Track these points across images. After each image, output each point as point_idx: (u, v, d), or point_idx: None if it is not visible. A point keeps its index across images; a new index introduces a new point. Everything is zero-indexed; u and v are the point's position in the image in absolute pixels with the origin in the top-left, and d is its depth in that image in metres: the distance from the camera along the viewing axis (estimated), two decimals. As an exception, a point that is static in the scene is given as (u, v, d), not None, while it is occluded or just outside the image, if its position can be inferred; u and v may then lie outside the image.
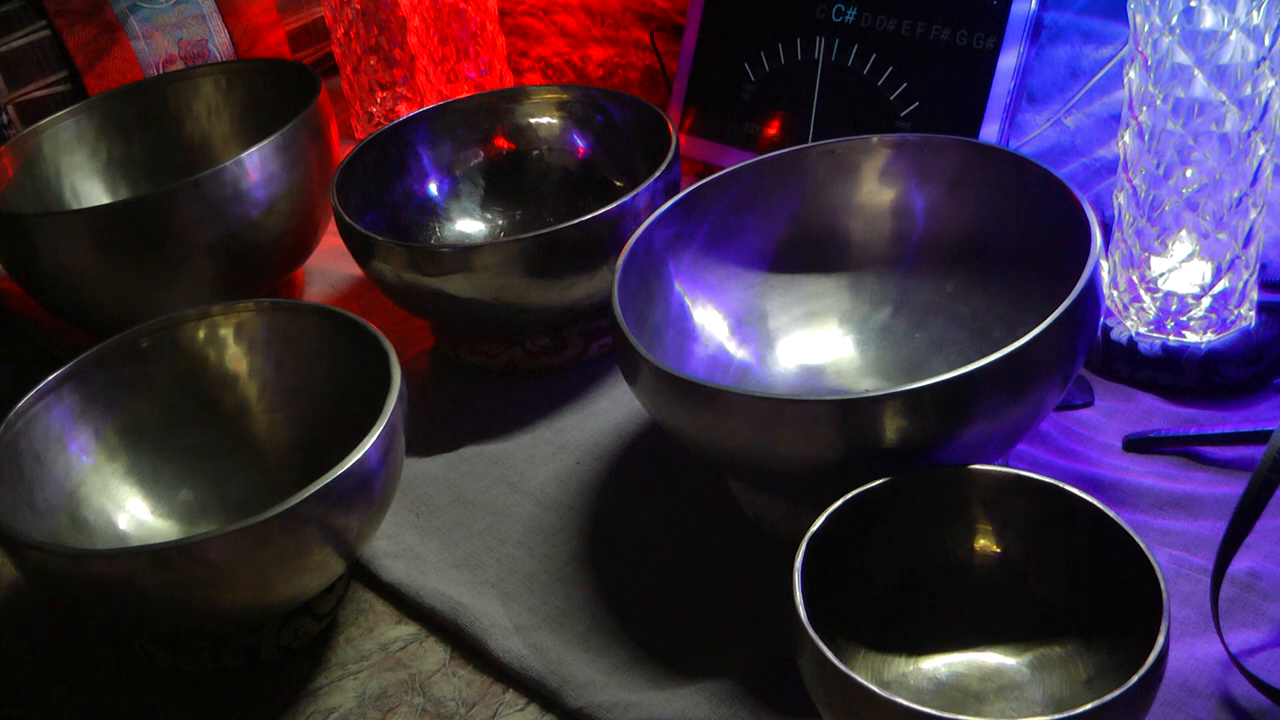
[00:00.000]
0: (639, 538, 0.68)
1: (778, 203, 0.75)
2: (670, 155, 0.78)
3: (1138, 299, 0.73)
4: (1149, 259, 0.71)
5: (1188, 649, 0.57)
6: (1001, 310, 0.70)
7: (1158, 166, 0.68)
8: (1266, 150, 0.66)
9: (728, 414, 0.57)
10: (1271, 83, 0.64)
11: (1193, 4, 0.63)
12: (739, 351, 0.73)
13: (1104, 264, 0.60)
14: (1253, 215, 0.68)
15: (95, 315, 0.85)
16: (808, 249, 0.76)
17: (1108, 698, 0.45)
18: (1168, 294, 0.71)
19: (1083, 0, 0.88)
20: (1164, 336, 0.72)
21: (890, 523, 0.57)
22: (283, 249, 0.88)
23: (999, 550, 0.57)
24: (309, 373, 0.72)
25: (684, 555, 0.67)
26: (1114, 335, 0.74)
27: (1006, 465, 0.63)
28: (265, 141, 0.82)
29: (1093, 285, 0.58)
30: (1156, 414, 0.71)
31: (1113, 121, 0.85)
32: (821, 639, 0.49)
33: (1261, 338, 0.71)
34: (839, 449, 0.56)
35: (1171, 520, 0.64)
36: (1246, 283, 0.70)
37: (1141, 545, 0.51)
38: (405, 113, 1.06)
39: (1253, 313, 0.72)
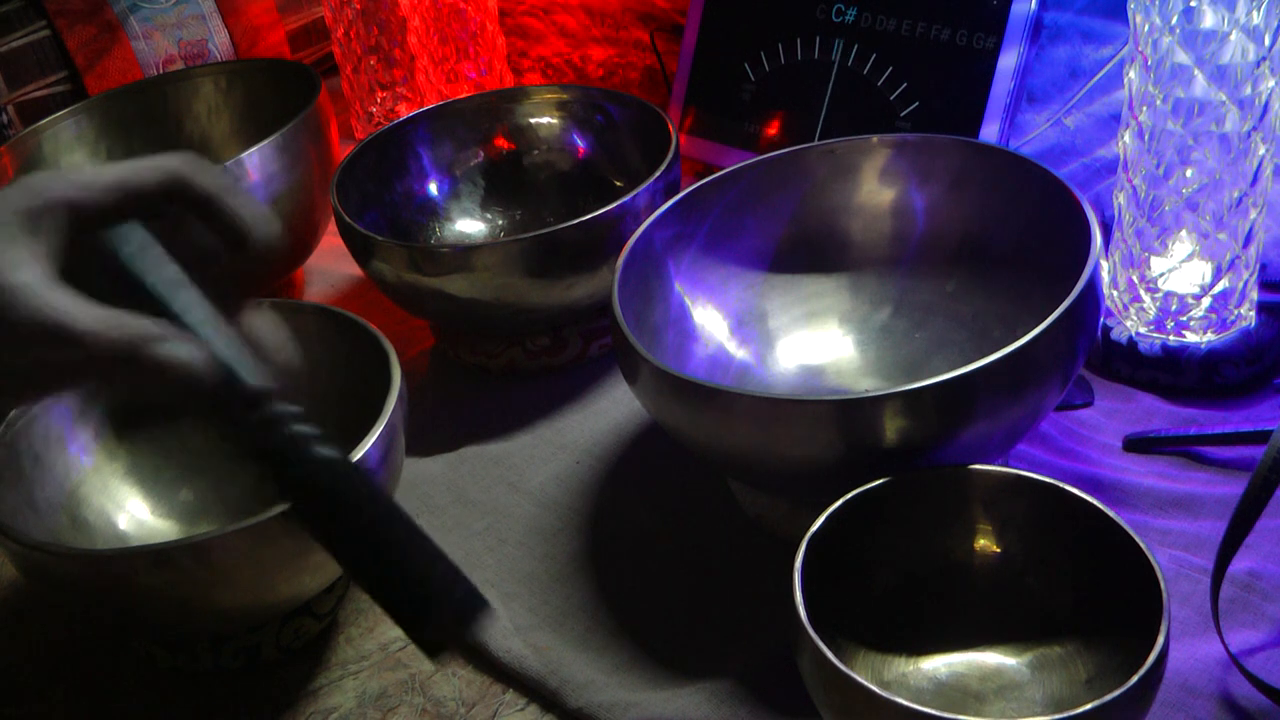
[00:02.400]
0: (639, 538, 0.68)
1: (778, 203, 0.75)
2: (670, 155, 0.78)
3: (1138, 299, 0.73)
4: (1149, 259, 0.71)
5: (1188, 649, 0.57)
6: (1001, 310, 0.70)
7: (1158, 166, 0.68)
8: (1266, 150, 0.66)
9: (728, 414, 0.57)
10: (1271, 83, 0.64)
11: (1193, 4, 0.63)
12: (739, 351, 0.73)
13: (1104, 264, 0.60)
14: (1253, 215, 0.68)
15: (95, 315, 0.85)
16: (808, 249, 0.76)
17: (1108, 698, 0.45)
18: (1168, 294, 0.71)
19: (1083, 0, 0.88)
20: (1164, 336, 0.72)
21: (890, 523, 0.57)
22: (283, 249, 0.88)
23: (999, 550, 0.57)
24: (309, 373, 0.71)
25: (684, 555, 0.67)
26: (1114, 335, 0.74)
27: (1006, 465, 0.63)
28: (265, 141, 0.82)
29: (1093, 285, 0.58)
30: (1156, 414, 0.71)
31: (1113, 121, 0.85)
32: (821, 639, 0.49)
33: (1261, 338, 0.71)
34: (839, 449, 0.56)
35: (1171, 520, 0.64)
36: (1246, 283, 0.70)
37: (1141, 545, 0.51)
38: (405, 113, 1.06)
39: (1253, 313, 0.72)
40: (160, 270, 0.43)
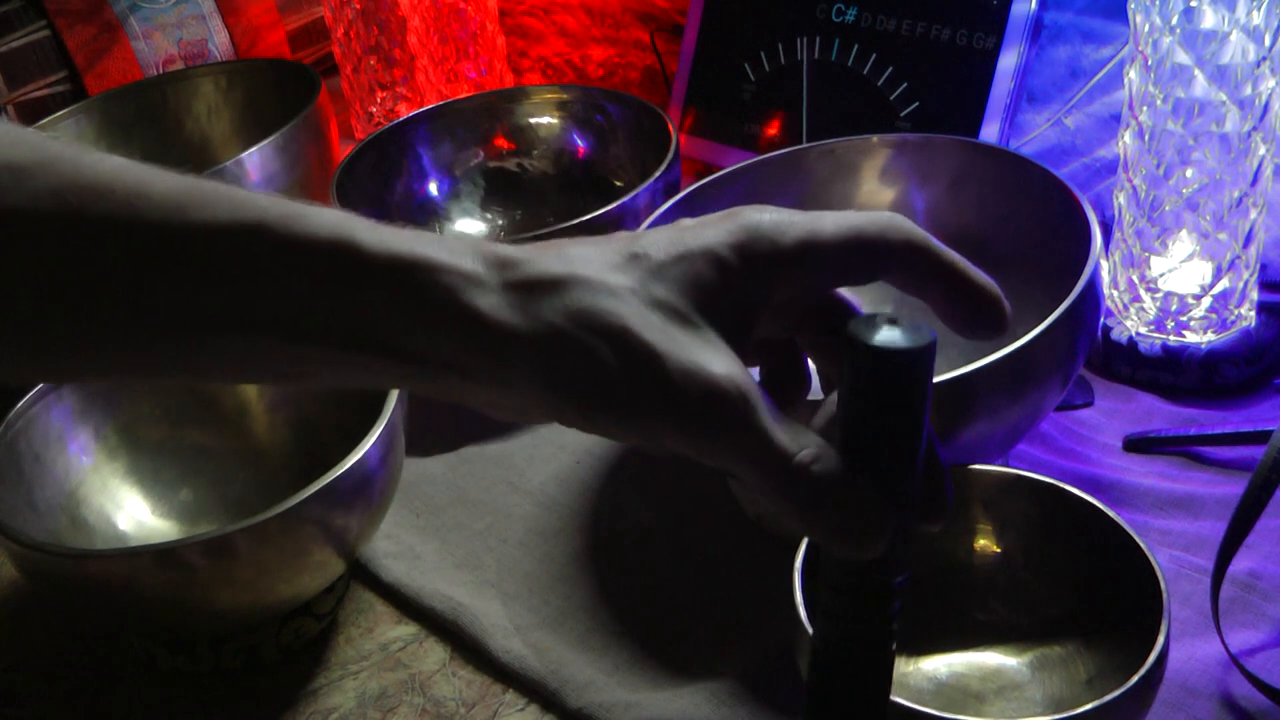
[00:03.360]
0: (639, 538, 0.68)
1: (777, 203, 0.74)
2: (670, 155, 0.78)
3: (1138, 299, 0.73)
4: (1149, 259, 0.71)
5: (1188, 649, 0.57)
6: (1001, 310, 0.70)
7: (1158, 166, 0.68)
8: (1266, 150, 0.66)
9: (728, 414, 0.57)
10: (1271, 83, 0.64)
11: (1193, 4, 0.63)
12: (739, 351, 0.73)
13: (1104, 264, 0.60)
14: (1253, 215, 0.68)
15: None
16: (808, 249, 0.75)
17: (1108, 698, 0.45)
18: (1168, 294, 0.71)
19: (1083, 0, 0.88)
20: (1164, 336, 0.72)
21: (890, 523, 0.57)
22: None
23: (999, 550, 0.57)
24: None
25: (684, 555, 0.67)
26: (1114, 335, 0.74)
27: (1006, 465, 0.63)
28: (265, 141, 0.82)
29: (1093, 285, 0.58)
30: (1156, 414, 0.71)
31: (1113, 121, 0.85)
32: (821, 639, 0.49)
33: (1261, 338, 0.71)
34: (839, 449, 0.56)
35: (1171, 520, 0.64)
36: (1246, 283, 0.70)
37: (1141, 545, 0.51)
38: (405, 113, 1.06)
39: (1253, 313, 0.72)
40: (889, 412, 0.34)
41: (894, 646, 0.37)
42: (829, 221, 0.38)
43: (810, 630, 0.49)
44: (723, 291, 0.36)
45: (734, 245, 0.37)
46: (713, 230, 0.37)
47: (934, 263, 0.39)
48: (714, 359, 0.35)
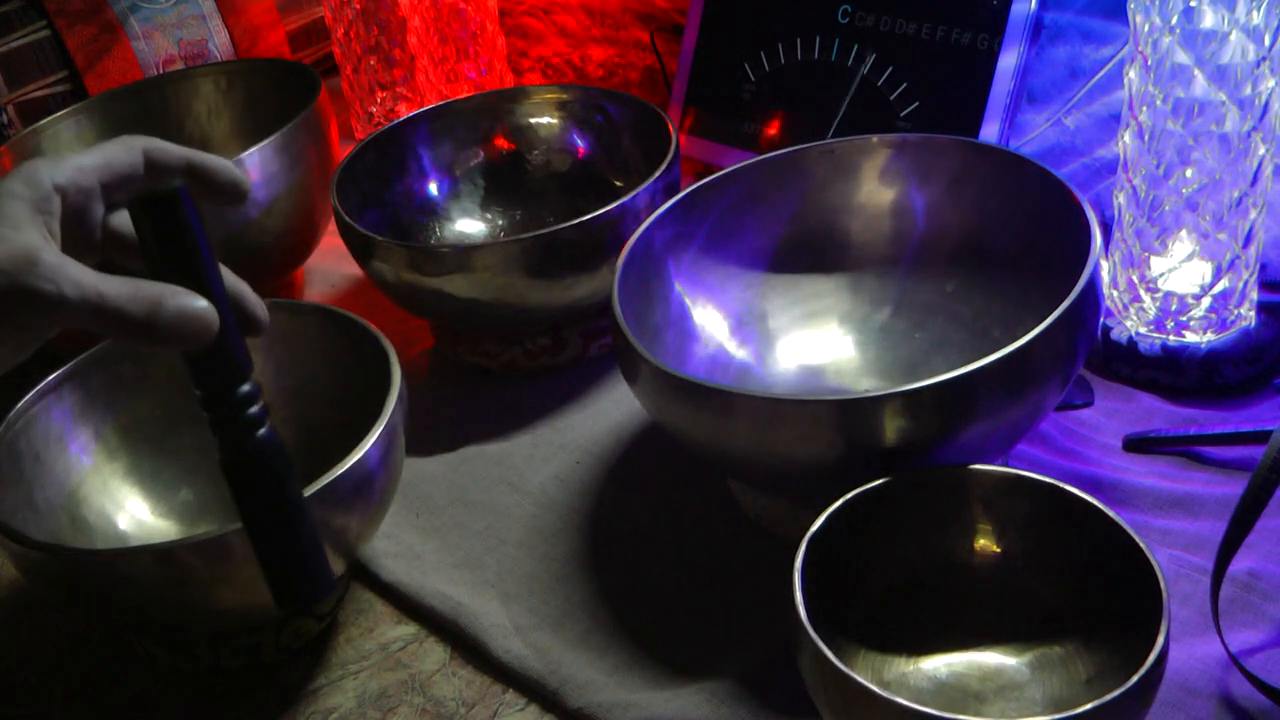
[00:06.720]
0: (639, 538, 0.68)
1: (778, 203, 0.75)
2: (670, 155, 0.78)
3: (1138, 299, 0.73)
4: (1149, 259, 0.71)
5: (1188, 649, 0.57)
6: (1001, 310, 0.70)
7: (1158, 166, 0.68)
8: (1266, 150, 0.66)
9: (728, 414, 0.57)
10: (1271, 83, 0.64)
11: (1193, 4, 0.63)
12: (739, 351, 0.73)
13: (1104, 264, 0.60)
14: (1253, 215, 0.68)
15: (95, 315, 0.85)
16: (808, 249, 0.76)
17: (1108, 698, 0.45)
18: (1168, 294, 0.71)
19: (1083, 0, 0.88)
20: (1164, 336, 0.72)
21: (890, 523, 0.57)
22: (283, 249, 0.88)
23: (999, 550, 0.57)
24: (309, 373, 0.72)
25: (684, 555, 0.67)
26: (1114, 335, 0.74)
27: (1006, 465, 0.63)
28: (265, 141, 0.82)
29: (1093, 285, 0.58)
30: (1156, 414, 0.71)
31: (1113, 121, 0.85)
32: (821, 639, 0.49)
33: (1261, 338, 0.71)
34: (839, 449, 0.56)
35: (1171, 520, 0.64)
36: (1246, 283, 0.70)
37: (1141, 545, 0.51)
38: (405, 113, 1.06)
39: (1253, 313, 0.72)
40: (169, 243, 0.46)
41: (268, 433, 0.47)
42: (85, 174, 0.47)
43: (810, 630, 0.49)
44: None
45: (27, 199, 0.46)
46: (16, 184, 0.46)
47: (174, 161, 0.49)
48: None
